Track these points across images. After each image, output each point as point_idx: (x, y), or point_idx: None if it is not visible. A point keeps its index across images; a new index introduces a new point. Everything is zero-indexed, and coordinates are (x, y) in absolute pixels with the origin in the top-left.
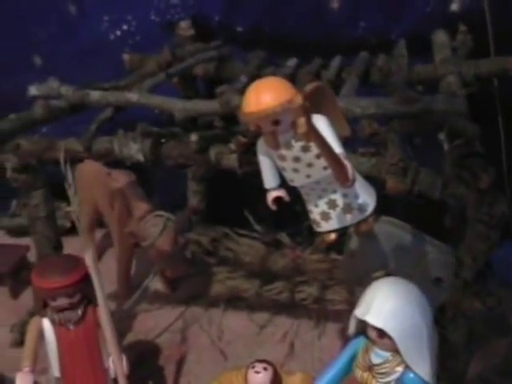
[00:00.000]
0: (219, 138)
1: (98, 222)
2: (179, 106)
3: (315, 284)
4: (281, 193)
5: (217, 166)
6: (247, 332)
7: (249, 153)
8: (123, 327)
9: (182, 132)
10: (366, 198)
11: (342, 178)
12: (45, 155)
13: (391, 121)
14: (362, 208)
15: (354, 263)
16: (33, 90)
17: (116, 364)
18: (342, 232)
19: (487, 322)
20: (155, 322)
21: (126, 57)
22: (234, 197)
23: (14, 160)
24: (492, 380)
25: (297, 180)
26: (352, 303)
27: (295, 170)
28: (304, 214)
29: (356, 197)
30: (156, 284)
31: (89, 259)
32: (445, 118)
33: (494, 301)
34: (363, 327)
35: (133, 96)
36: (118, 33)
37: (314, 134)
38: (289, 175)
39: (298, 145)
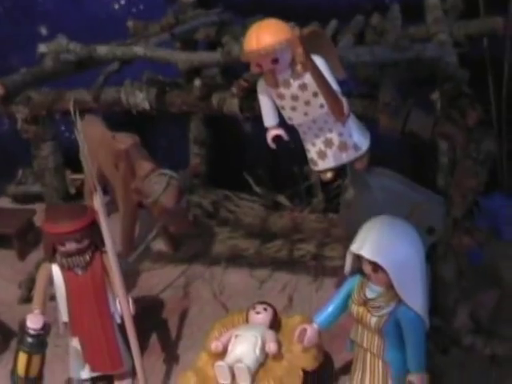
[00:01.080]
0: (221, 86)
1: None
2: (183, 57)
3: (313, 242)
4: (280, 131)
5: (219, 111)
6: (248, 287)
7: (249, 98)
8: (126, 284)
9: (186, 83)
10: (360, 136)
11: (338, 112)
12: (54, 106)
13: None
14: (356, 146)
15: (349, 214)
16: (42, 48)
17: (122, 304)
18: (338, 172)
19: (478, 274)
20: (158, 280)
21: (130, 23)
22: (233, 161)
23: (24, 111)
24: (482, 322)
25: (295, 118)
26: None
27: (293, 108)
28: (302, 175)
29: (350, 136)
30: (159, 244)
31: (97, 202)
32: (435, 64)
33: (483, 235)
34: (359, 265)
35: (139, 50)
36: (122, 2)
37: (311, 65)
38: (287, 113)
39: (296, 83)
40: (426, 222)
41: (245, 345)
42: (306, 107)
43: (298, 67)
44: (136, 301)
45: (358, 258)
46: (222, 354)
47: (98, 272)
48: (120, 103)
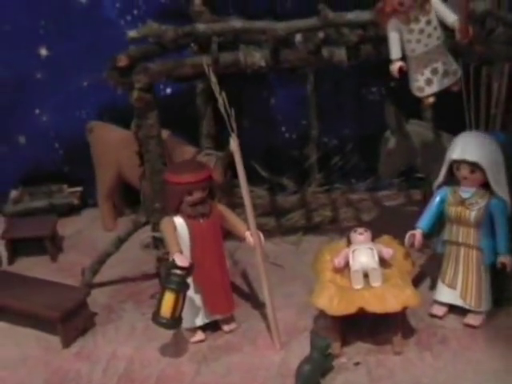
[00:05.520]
0: (327, 41)
1: (120, 189)
2: (282, 26)
3: (327, 209)
4: (403, 63)
5: (328, 62)
6: (285, 250)
7: (356, 48)
8: None
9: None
10: (456, 64)
11: (465, 32)
12: (174, 72)
13: None
14: (455, 72)
15: (391, 159)
16: (132, 33)
17: (254, 236)
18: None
19: None
20: None
21: None
22: None
23: (144, 80)
24: None
25: (417, 49)
26: (359, 219)
27: (418, 41)
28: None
29: (451, 64)
30: None
31: (234, 144)
32: None
33: None
34: (447, 177)
35: (237, 23)
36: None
37: None
38: (411, 46)
39: (423, 19)
40: None
41: (365, 255)
42: (427, 39)
43: (427, 6)
44: None
45: (449, 170)
46: (342, 269)
47: (217, 220)
48: (238, 64)
